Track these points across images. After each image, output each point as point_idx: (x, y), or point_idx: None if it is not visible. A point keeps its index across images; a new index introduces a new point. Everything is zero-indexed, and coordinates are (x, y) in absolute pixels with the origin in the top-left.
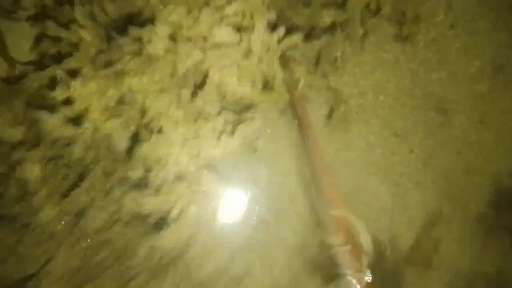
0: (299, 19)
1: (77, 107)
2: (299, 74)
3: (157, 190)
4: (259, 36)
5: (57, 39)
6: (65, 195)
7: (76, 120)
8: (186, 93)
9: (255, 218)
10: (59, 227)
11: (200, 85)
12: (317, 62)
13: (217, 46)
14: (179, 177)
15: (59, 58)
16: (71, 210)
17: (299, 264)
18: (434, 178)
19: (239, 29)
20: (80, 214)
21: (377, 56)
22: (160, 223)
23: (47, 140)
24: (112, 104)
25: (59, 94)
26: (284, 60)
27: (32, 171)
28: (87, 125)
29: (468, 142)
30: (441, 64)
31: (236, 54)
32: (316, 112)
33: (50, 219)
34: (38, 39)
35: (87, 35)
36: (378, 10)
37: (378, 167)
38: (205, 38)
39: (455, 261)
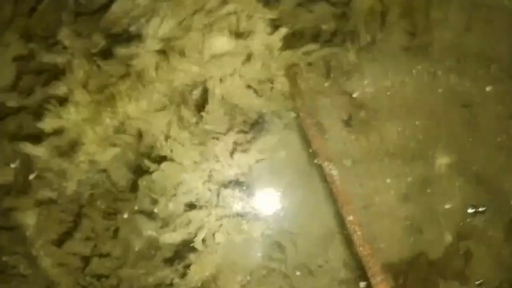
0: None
1: (70, 136)
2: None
3: (171, 225)
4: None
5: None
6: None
7: (69, 153)
8: (187, 112)
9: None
10: (61, 279)
11: (201, 102)
12: (327, 69)
13: (215, 56)
14: (195, 206)
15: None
16: (72, 261)
17: None
18: (462, 185)
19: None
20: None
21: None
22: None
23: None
24: (108, 133)
25: (48, 123)
26: (292, 75)
27: (26, 219)
28: (82, 158)
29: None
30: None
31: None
32: (332, 120)
33: (49, 270)
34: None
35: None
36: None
37: (400, 178)
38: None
39: (487, 273)
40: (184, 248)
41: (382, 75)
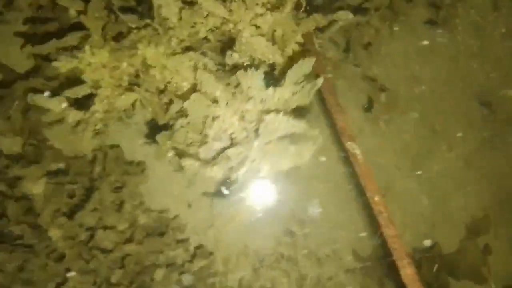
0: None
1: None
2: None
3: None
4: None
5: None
6: (70, 215)
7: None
8: (210, 54)
9: None
10: (66, 250)
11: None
12: (347, 48)
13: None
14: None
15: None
16: (79, 231)
17: None
18: (477, 179)
19: None
20: (89, 235)
21: (411, 43)
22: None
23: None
24: (126, 78)
25: (63, 62)
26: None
27: (34, 188)
28: (97, 106)
29: None
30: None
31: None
32: (352, 103)
33: (56, 241)
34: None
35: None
36: None
37: (414, 168)
38: None
39: (506, 273)
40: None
41: (404, 53)
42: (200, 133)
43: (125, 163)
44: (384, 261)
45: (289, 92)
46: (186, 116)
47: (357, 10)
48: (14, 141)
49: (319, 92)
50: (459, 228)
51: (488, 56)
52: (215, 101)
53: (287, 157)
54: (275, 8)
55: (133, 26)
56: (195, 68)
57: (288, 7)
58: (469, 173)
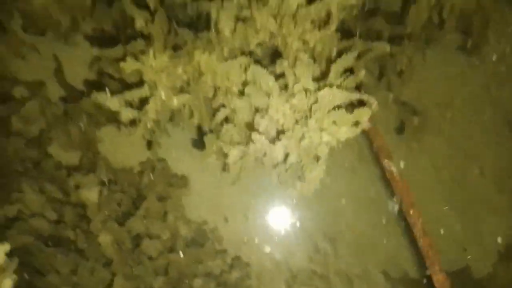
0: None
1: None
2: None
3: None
4: None
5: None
6: (120, 222)
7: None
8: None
9: None
10: (113, 256)
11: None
12: (380, 75)
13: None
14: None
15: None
16: (126, 238)
17: None
18: (509, 203)
19: None
20: (135, 242)
21: (443, 69)
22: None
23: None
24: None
25: (129, 64)
26: None
27: (89, 196)
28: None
29: None
30: None
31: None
32: (384, 126)
33: (106, 247)
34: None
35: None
36: (441, 23)
37: (446, 192)
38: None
39: None
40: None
41: (435, 79)
42: (246, 134)
43: (171, 175)
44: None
45: (335, 82)
46: (233, 120)
47: (392, 38)
48: (73, 154)
49: None
50: (491, 253)
51: None
52: (267, 93)
53: (345, 125)
54: (322, 25)
55: (189, 39)
56: (245, 71)
57: (334, 25)
58: (501, 197)
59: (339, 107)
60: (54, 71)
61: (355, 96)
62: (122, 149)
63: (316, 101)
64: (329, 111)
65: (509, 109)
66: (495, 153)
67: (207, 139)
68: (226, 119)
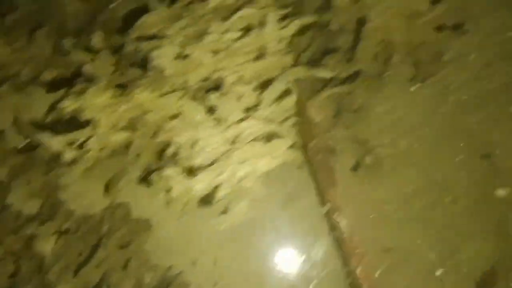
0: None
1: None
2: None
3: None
4: None
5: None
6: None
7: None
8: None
9: None
10: None
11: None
12: (338, 112)
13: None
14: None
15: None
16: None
17: None
18: (485, 232)
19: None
20: None
21: (399, 103)
22: None
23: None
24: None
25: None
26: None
27: (45, 245)
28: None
29: None
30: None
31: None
32: (341, 165)
33: None
34: None
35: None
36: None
37: (418, 222)
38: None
39: None
40: None
41: (390, 114)
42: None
43: (133, 220)
44: None
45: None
46: (176, 155)
47: (346, 77)
48: (33, 203)
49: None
50: (467, 282)
51: (480, 111)
52: (197, 124)
53: (264, 157)
54: (257, 58)
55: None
56: (178, 105)
57: (270, 56)
58: (475, 225)
59: (256, 139)
60: (13, 121)
61: (272, 128)
62: (83, 195)
63: (239, 133)
64: (248, 143)
65: (477, 135)
66: (467, 181)
67: (154, 176)
68: (172, 156)
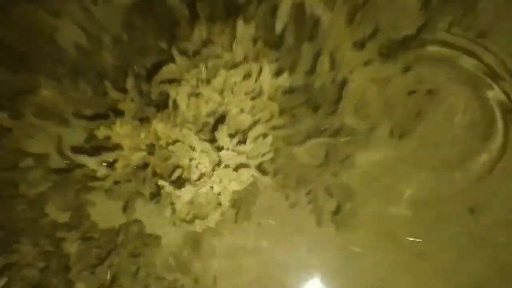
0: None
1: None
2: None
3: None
4: None
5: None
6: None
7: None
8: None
9: None
10: None
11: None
12: (326, 160)
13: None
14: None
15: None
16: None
17: None
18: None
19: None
20: None
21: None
22: None
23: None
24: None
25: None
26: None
27: (70, 248)
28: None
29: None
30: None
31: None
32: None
33: None
34: None
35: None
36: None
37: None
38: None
39: None
40: None
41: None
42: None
43: (145, 235)
44: None
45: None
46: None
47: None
48: (65, 214)
49: None
50: None
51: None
52: (192, 148)
53: (233, 181)
54: (255, 96)
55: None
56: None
57: (265, 97)
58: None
59: (227, 166)
60: (56, 146)
61: (242, 159)
62: (105, 211)
63: (220, 160)
64: (224, 168)
65: (462, 191)
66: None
67: (163, 192)
68: (180, 176)
